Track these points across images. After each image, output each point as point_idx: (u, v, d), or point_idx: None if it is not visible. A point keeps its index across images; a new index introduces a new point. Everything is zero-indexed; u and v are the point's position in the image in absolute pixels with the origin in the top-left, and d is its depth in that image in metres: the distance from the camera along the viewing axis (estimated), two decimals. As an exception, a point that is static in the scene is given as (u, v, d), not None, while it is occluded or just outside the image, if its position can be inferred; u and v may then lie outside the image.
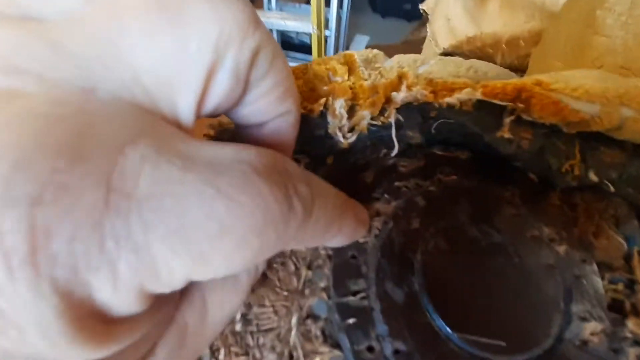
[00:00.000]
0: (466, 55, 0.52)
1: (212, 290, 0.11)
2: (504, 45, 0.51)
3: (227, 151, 0.09)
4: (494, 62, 0.50)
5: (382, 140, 0.17)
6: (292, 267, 0.15)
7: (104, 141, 0.07)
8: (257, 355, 0.14)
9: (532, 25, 0.46)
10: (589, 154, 0.16)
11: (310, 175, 0.11)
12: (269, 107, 0.11)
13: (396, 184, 0.17)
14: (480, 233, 0.16)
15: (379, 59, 0.18)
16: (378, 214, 0.16)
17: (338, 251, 0.15)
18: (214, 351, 0.14)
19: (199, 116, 0.10)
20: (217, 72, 0.09)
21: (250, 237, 0.08)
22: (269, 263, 0.15)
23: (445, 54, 0.54)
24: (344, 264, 0.15)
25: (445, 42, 0.57)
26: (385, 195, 0.16)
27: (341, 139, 0.16)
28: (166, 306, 0.10)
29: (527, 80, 0.15)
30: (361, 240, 0.15)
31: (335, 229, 0.11)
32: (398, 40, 0.94)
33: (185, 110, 0.09)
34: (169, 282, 0.08)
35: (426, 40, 0.62)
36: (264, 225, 0.08)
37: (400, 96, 0.15)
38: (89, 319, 0.07)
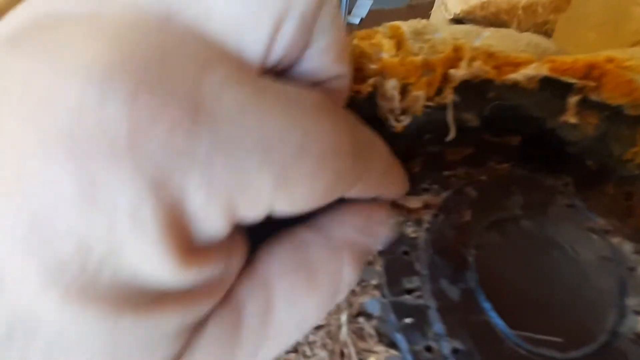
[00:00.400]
0: (479, 22, 0.49)
1: (280, 278, 0.10)
2: (520, 12, 0.49)
3: (297, 87, 0.09)
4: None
5: (431, 123, 0.16)
6: (338, 262, 0.15)
7: (185, 62, 0.07)
8: (308, 352, 0.14)
9: (553, -11, 0.43)
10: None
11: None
12: (327, 65, 0.10)
13: (445, 173, 0.16)
14: (534, 225, 0.15)
15: (429, 30, 0.16)
16: (427, 207, 0.15)
17: (389, 247, 0.14)
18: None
19: (263, 67, 0.09)
20: (285, 20, 0.09)
21: (326, 160, 0.09)
22: None
23: (456, 20, 0.51)
24: (397, 261, 0.14)
25: (456, 7, 0.53)
26: (434, 186, 0.15)
27: (393, 123, 0.14)
28: (227, 271, 0.09)
29: (598, 56, 0.14)
30: (412, 235, 0.14)
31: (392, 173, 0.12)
32: (402, 4, 0.89)
33: (253, 57, 0.09)
34: (255, 202, 0.08)
35: (435, 5, 0.58)
36: (338, 151, 0.09)
37: (459, 73, 0.14)
38: (178, 227, 0.07)
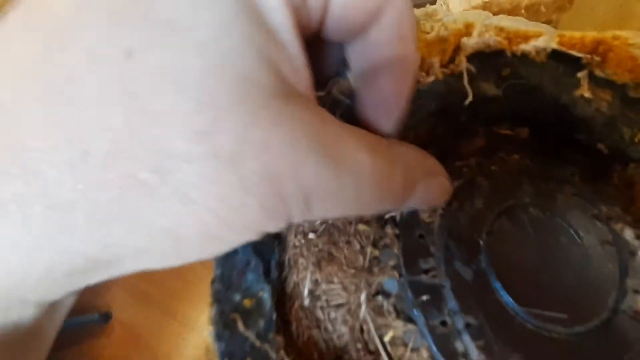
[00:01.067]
0: None
1: None
2: (523, 11, 0.49)
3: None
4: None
5: (451, 93, 0.16)
6: (358, 246, 0.16)
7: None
8: (330, 327, 0.15)
9: (557, -12, 0.44)
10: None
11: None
12: (391, 44, 0.10)
13: (458, 163, 0.17)
14: (542, 212, 0.16)
15: (439, 13, 0.17)
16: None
17: (405, 231, 0.15)
18: (285, 323, 0.15)
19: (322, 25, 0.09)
20: None
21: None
22: (335, 242, 0.16)
23: None
24: (414, 244, 0.15)
25: (458, 7, 0.54)
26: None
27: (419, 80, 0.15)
28: None
29: (606, 33, 0.15)
30: (427, 220, 0.15)
31: (418, 187, 0.11)
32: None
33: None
34: None
35: (437, 5, 0.59)
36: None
37: (471, 42, 0.15)
38: None
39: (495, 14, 0.55)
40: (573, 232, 0.16)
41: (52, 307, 0.09)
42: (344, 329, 0.15)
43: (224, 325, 0.13)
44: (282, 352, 0.13)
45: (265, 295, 0.14)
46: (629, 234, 0.16)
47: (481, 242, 0.15)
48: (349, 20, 0.09)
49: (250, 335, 0.13)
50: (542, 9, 0.47)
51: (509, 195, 0.16)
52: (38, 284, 0.08)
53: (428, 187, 0.11)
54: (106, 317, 0.61)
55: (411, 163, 0.11)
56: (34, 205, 0.07)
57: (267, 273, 0.15)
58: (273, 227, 0.09)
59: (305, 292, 0.15)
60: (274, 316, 0.14)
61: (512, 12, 0.49)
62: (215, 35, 0.08)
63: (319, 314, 0.15)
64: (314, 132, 0.08)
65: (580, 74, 0.15)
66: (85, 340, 0.61)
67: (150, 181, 0.07)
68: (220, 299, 0.14)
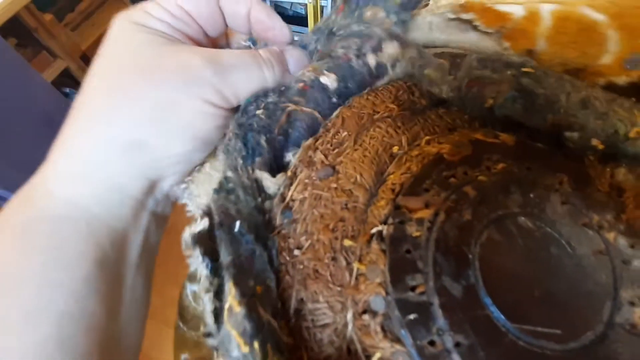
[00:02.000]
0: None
1: None
2: None
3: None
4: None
5: None
6: (344, 262, 0.15)
7: None
8: (316, 349, 0.14)
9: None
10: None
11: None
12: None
13: (444, 173, 0.16)
14: (532, 223, 0.15)
15: None
16: (428, 206, 0.15)
17: (392, 246, 0.15)
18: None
19: None
20: None
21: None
22: (320, 258, 0.15)
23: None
24: (400, 259, 0.15)
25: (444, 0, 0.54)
26: (434, 187, 0.16)
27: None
28: None
29: None
30: (415, 234, 0.15)
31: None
32: None
33: None
34: None
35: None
36: None
37: None
38: None
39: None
40: (564, 242, 0.15)
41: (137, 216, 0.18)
42: (330, 350, 0.14)
43: (248, 307, 0.13)
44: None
45: (272, 283, 0.15)
46: (621, 242, 0.15)
47: (470, 256, 0.15)
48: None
49: (270, 318, 0.14)
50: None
51: (497, 206, 0.16)
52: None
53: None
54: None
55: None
56: None
57: (271, 262, 0.15)
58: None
59: (291, 312, 0.15)
60: (279, 304, 0.15)
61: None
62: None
63: (305, 334, 0.15)
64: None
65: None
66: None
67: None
68: (239, 282, 0.14)
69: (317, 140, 0.18)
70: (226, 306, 0.13)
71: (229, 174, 0.17)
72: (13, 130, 0.92)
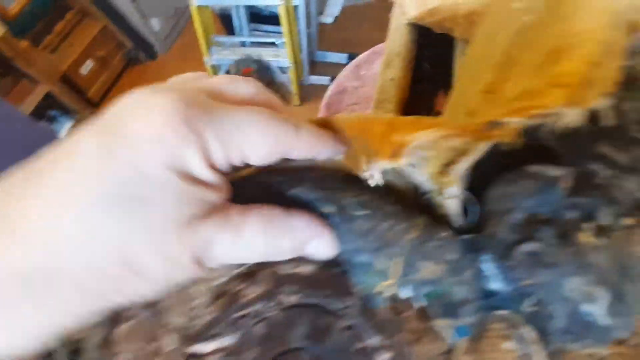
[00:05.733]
0: (429, 28, 0.49)
1: None
2: (460, 20, 0.48)
3: None
4: (453, 36, 0.46)
5: None
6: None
7: None
8: None
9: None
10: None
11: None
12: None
13: (237, 314, 0.18)
14: (314, 355, 0.17)
15: None
16: (218, 351, 0.17)
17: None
18: None
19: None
20: None
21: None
22: None
23: (412, 24, 0.50)
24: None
25: (413, 11, 0.52)
26: (227, 329, 0.18)
27: None
28: None
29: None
30: None
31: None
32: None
33: None
34: None
35: (395, 6, 0.56)
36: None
37: None
38: None
39: (438, 22, 0.53)
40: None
41: None
42: None
43: None
44: None
45: None
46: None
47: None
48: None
49: None
50: (476, 18, 0.45)
51: (283, 341, 0.17)
52: None
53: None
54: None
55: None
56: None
57: None
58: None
59: None
60: None
61: (451, 20, 0.47)
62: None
63: None
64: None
65: None
66: None
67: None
68: None
69: None
70: None
71: None
72: None
